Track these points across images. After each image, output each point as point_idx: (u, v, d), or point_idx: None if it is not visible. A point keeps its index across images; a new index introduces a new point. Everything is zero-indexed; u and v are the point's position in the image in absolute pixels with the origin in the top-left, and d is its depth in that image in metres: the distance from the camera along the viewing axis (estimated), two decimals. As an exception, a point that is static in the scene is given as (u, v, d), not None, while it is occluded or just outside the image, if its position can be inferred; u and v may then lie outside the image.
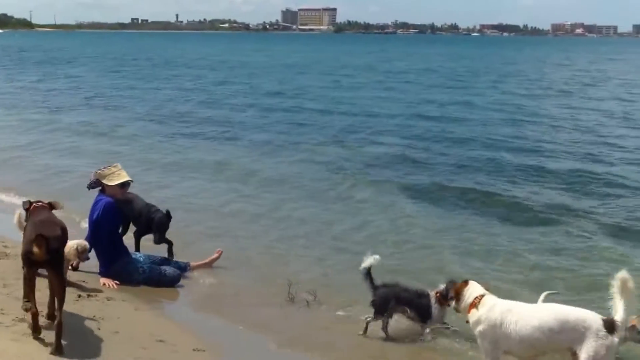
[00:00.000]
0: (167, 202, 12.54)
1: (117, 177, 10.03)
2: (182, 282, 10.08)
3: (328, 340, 8.41)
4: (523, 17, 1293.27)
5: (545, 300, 8.44)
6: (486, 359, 7.27)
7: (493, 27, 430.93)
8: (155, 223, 10.55)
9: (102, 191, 10.06)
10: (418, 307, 8.50)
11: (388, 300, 8.42)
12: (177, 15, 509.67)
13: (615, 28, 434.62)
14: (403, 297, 8.47)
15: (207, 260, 10.83)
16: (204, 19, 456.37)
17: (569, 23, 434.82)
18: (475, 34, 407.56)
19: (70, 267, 9.32)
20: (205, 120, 28.69)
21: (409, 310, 8.50)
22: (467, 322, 7.34)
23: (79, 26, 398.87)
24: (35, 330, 6.92)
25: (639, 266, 10.82)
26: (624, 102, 37.72)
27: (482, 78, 55.64)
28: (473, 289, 7.38)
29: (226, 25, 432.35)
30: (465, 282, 7.50)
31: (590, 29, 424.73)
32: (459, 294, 7.43)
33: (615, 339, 6.88)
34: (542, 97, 40.38)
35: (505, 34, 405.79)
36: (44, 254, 6.69)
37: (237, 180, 17.46)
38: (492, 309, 7.16)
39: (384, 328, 8.38)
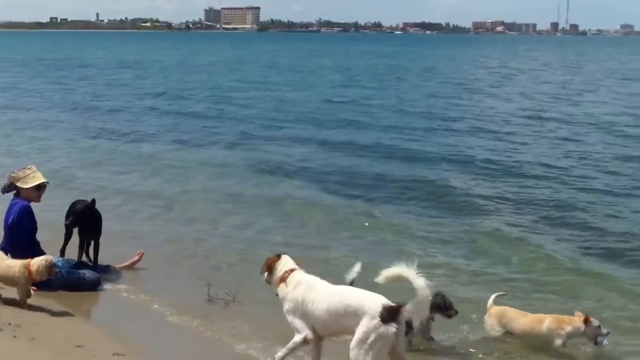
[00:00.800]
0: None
1: (32, 179, 9.78)
2: (102, 285, 9.90)
3: (250, 339, 8.38)
4: (445, 16, 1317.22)
5: (496, 301, 8.70)
6: (296, 336, 7.17)
7: (416, 25, 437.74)
8: (74, 213, 10.22)
9: (18, 194, 9.82)
10: None
11: None
12: (97, 14, 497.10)
13: (534, 26, 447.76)
14: None
15: (128, 263, 10.71)
16: (126, 18, 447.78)
17: (490, 21, 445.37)
18: (398, 32, 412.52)
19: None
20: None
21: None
22: (277, 295, 7.33)
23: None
24: None
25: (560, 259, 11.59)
26: (527, 97, 39.32)
27: (390, 75, 57.59)
28: (284, 263, 7.36)
29: (148, 24, 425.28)
30: (278, 256, 7.47)
31: (510, 26, 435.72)
32: (271, 267, 7.39)
33: (391, 328, 6.71)
34: (447, 93, 41.54)
35: (428, 32, 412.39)
36: None
37: (155, 181, 17.59)
38: (297, 286, 7.16)
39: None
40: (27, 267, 8.68)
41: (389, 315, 6.68)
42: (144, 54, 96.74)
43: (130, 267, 10.73)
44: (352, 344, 6.78)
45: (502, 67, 71.28)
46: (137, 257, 10.82)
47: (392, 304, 6.75)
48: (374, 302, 6.78)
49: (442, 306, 8.41)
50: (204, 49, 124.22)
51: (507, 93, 41.75)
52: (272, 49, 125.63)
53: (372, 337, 6.69)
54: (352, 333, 6.88)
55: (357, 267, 8.07)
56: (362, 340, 6.71)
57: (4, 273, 8.72)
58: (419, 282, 6.62)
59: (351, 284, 8.04)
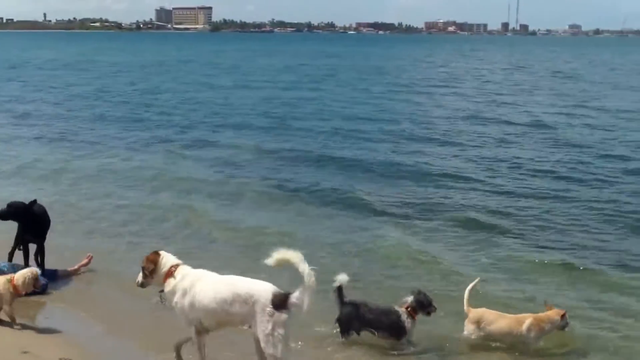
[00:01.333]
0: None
1: None
2: (49, 290, 9.88)
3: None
4: (398, 16, 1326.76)
5: (474, 289, 8.84)
6: (187, 329, 7.23)
7: (369, 25, 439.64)
8: (7, 205, 10.10)
9: None
10: (387, 326, 8.47)
11: (352, 320, 8.47)
12: (44, 15, 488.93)
13: (485, 26, 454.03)
14: (368, 319, 8.46)
15: (76, 267, 10.71)
16: (74, 18, 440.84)
17: (442, 21, 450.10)
18: (352, 32, 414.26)
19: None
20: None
21: (376, 333, 8.51)
22: (161, 291, 7.30)
23: None
24: None
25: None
26: (462, 98, 39.60)
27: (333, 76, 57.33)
28: (167, 259, 7.35)
29: (97, 24, 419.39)
30: (157, 253, 7.41)
31: (462, 27, 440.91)
32: (155, 264, 7.30)
33: (284, 315, 6.77)
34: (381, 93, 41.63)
35: (381, 32, 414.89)
36: None
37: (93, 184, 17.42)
38: (184, 278, 7.15)
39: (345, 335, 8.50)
40: (10, 281, 8.69)
41: (280, 302, 6.74)
42: (88, 54, 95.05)
43: (78, 270, 10.71)
44: (261, 338, 6.81)
45: (445, 67, 72.22)
46: (86, 260, 10.83)
47: (281, 291, 6.82)
48: (264, 289, 6.84)
49: (424, 304, 8.55)
50: (147, 49, 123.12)
51: (442, 94, 41.88)
52: (218, 49, 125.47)
53: (271, 326, 6.75)
54: (240, 323, 7.02)
55: (343, 277, 8.33)
56: (267, 333, 6.76)
57: None
58: (305, 268, 6.66)
59: (339, 289, 8.38)
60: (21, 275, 8.72)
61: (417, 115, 31.21)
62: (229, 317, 7.04)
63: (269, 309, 6.73)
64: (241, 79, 53.15)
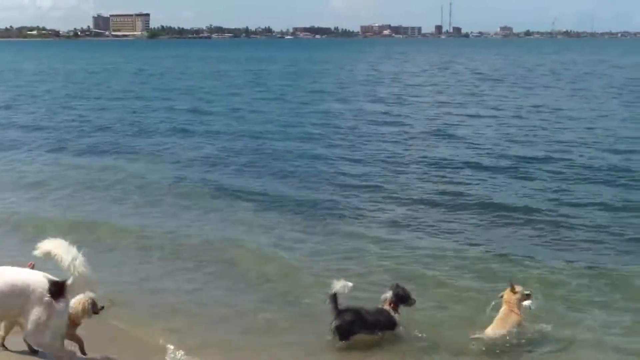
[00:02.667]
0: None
1: None
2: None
3: (126, 342, 8.68)
4: (335, 20, 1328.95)
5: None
6: None
7: (306, 29, 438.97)
8: None
9: None
10: (383, 325, 8.86)
11: (353, 326, 8.71)
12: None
13: (419, 29, 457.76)
14: (369, 321, 8.79)
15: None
16: (11, 27, 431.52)
17: (377, 25, 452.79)
18: (289, 37, 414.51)
19: None
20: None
21: (380, 333, 8.89)
22: None
23: None
24: None
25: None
26: (373, 100, 40.66)
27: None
28: None
29: (35, 32, 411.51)
30: None
31: (397, 30, 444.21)
32: None
33: (62, 303, 6.65)
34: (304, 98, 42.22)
35: (318, 36, 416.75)
36: None
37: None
38: None
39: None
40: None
41: (57, 290, 6.60)
42: (17, 62, 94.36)
43: None
44: (29, 327, 6.62)
45: (368, 69, 73.36)
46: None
47: (57, 280, 6.67)
48: (39, 279, 6.65)
49: (403, 297, 9.00)
50: (79, 57, 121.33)
51: (355, 96, 42.64)
52: (153, 55, 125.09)
53: (46, 315, 6.57)
54: (18, 315, 6.73)
55: (341, 284, 8.57)
56: (41, 322, 6.56)
57: None
58: (68, 258, 6.60)
59: (334, 297, 8.60)
60: (78, 303, 7.81)
61: (319, 119, 31.70)
62: (5, 312, 6.80)
63: (47, 298, 6.54)
64: (159, 85, 54.26)
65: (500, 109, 34.88)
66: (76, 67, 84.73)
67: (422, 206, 16.10)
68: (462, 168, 20.39)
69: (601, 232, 13.66)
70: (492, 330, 8.85)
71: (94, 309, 7.91)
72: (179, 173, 20.22)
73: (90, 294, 7.94)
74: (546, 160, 21.17)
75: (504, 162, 21.02)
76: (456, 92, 45.25)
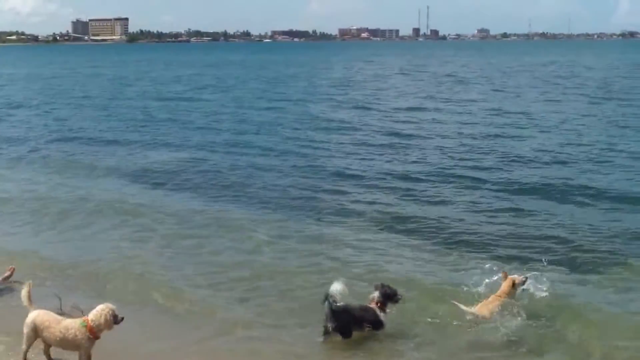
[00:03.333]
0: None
1: None
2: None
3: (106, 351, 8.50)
4: (313, 23, 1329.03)
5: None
6: None
7: (284, 33, 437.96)
8: None
9: None
10: (372, 321, 9.15)
11: (350, 324, 9.05)
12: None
13: (397, 32, 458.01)
14: (363, 318, 9.12)
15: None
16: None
17: (355, 28, 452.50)
18: (267, 40, 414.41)
19: None
20: None
21: (371, 327, 9.16)
22: None
23: None
24: None
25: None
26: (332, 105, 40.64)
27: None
28: None
29: (14, 37, 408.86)
30: None
31: (374, 33, 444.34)
32: None
33: None
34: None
35: (296, 39, 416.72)
36: None
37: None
38: None
39: None
40: (86, 324, 7.94)
41: None
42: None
43: (3, 283, 10.77)
44: None
45: (338, 73, 73.44)
46: (8, 273, 10.92)
47: None
48: None
49: (390, 295, 9.26)
50: (55, 61, 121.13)
51: (314, 101, 42.52)
52: (125, 59, 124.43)
53: None
54: None
55: (338, 286, 8.85)
56: None
57: (63, 336, 7.99)
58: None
59: (331, 298, 8.83)
60: (99, 314, 7.89)
61: (272, 124, 31.45)
62: None
63: None
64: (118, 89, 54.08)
65: (459, 113, 35.28)
66: (35, 71, 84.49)
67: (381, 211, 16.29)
68: (415, 173, 20.61)
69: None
70: (481, 309, 9.50)
71: (115, 320, 7.88)
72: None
73: (110, 305, 7.96)
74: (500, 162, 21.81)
75: (461, 167, 21.33)
76: (418, 96, 45.52)
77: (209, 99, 44.96)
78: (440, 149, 24.17)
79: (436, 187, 18.53)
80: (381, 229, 14.65)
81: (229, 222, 15.25)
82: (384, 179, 19.66)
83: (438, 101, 41.32)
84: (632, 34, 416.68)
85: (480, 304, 9.63)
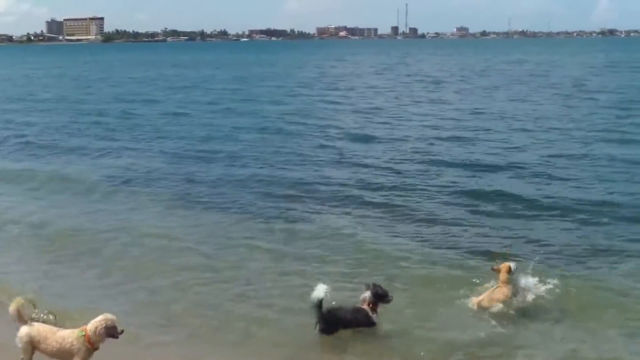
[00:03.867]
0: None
1: None
2: None
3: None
4: (291, 22, 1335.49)
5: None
6: None
7: (262, 32, 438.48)
8: None
9: None
10: (362, 322, 9.27)
11: (337, 326, 9.21)
12: None
13: (375, 30, 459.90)
14: (356, 319, 9.26)
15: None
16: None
17: (333, 26, 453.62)
18: (244, 39, 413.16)
19: None
20: None
21: (357, 327, 9.30)
22: None
23: None
24: None
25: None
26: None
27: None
28: None
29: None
30: None
31: (353, 31, 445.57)
32: None
33: None
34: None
35: (273, 38, 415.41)
36: None
37: None
38: None
39: None
40: (84, 334, 7.83)
41: None
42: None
43: None
44: None
45: (310, 72, 72.72)
46: None
47: None
48: None
49: (382, 295, 9.33)
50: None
51: (277, 101, 41.60)
52: (92, 59, 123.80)
53: None
54: None
55: (322, 289, 8.88)
56: None
57: (60, 347, 7.91)
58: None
59: (319, 302, 8.94)
60: (94, 325, 7.79)
61: (225, 128, 30.53)
62: None
63: None
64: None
65: (427, 114, 34.41)
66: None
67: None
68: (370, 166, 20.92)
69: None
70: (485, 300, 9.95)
71: (112, 332, 7.72)
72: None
73: (110, 316, 7.83)
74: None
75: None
76: (384, 95, 45.06)
77: (163, 100, 43.83)
78: (399, 150, 23.90)
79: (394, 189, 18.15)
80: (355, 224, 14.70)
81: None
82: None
83: (403, 101, 41.13)
84: (611, 32, 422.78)
85: (484, 294, 10.07)
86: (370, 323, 9.30)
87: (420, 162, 21.43)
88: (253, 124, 31.25)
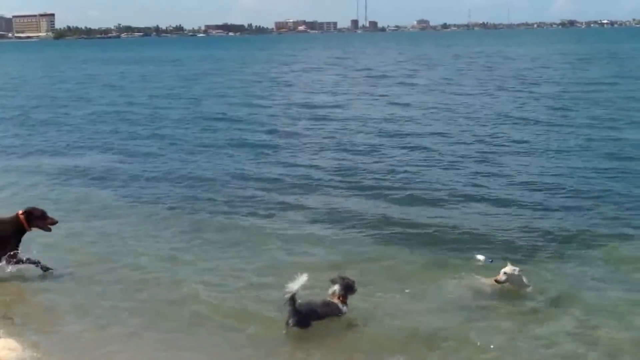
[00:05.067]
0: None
1: None
2: None
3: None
4: (248, 17, 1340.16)
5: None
6: None
7: (218, 27, 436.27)
8: None
9: None
10: (334, 316, 9.21)
11: (309, 320, 9.05)
12: None
13: (335, 24, 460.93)
14: (326, 313, 9.19)
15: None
16: None
17: (292, 21, 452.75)
18: (201, 34, 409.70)
19: None
20: None
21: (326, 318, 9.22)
22: None
23: None
24: None
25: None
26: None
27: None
28: None
29: None
30: None
31: (312, 25, 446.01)
32: None
33: None
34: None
35: (231, 33, 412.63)
36: None
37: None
38: None
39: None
40: None
41: None
42: None
43: None
44: None
45: (255, 69, 70.93)
46: None
47: None
48: None
49: (351, 286, 9.39)
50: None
51: (214, 97, 40.60)
52: (31, 57, 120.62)
53: None
54: None
55: (303, 279, 8.66)
56: None
57: None
58: None
59: (292, 297, 8.75)
60: None
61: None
62: None
63: None
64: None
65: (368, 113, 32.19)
66: None
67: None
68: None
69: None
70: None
71: None
72: None
73: None
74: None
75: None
76: (329, 91, 43.61)
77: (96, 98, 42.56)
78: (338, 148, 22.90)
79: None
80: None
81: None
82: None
83: (348, 95, 40.32)
84: (571, 23, 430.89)
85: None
86: (339, 313, 9.32)
87: (342, 159, 20.81)
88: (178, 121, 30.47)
